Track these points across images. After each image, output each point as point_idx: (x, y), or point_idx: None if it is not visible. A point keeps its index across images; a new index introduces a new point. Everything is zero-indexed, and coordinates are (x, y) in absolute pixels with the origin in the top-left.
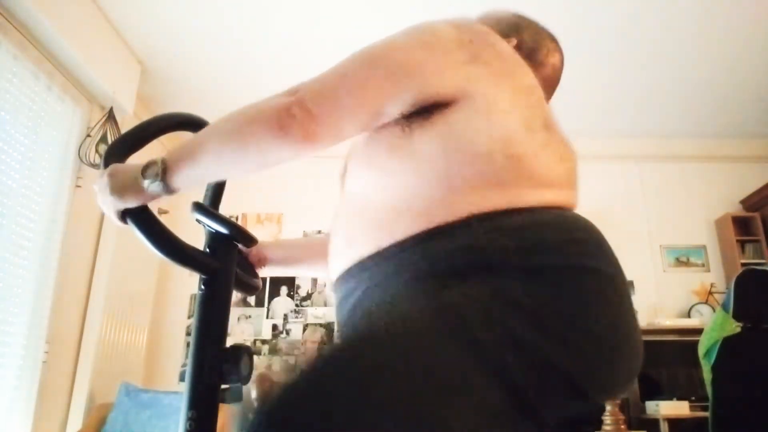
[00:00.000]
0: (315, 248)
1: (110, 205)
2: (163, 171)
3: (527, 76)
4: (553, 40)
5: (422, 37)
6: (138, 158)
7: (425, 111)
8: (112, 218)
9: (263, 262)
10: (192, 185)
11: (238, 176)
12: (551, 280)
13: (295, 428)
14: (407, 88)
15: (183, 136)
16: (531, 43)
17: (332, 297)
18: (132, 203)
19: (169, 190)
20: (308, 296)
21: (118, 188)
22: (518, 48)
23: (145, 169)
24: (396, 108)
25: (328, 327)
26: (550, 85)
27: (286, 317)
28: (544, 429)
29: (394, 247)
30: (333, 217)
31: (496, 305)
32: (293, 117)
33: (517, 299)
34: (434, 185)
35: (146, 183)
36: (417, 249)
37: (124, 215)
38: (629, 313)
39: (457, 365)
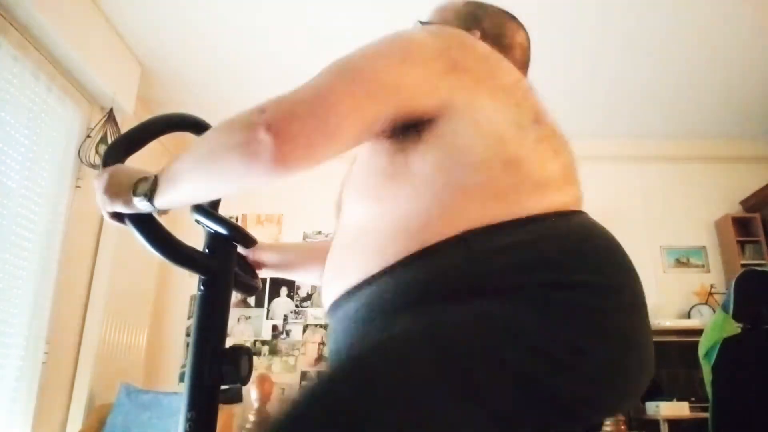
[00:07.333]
0: (312, 254)
1: (102, 204)
2: (151, 191)
3: (509, 74)
4: (513, 18)
5: (400, 50)
6: (138, 157)
7: (414, 131)
8: (105, 216)
9: (259, 265)
10: (178, 207)
11: (221, 197)
12: (551, 301)
13: None
14: (386, 105)
15: (183, 137)
16: (494, 29)
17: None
18: (121, 210)
19: (157, 209)
20: (308, 297)
21: (112, 191)
22: (483, 39)
23: (137, 184)
24: (376, 125)
25: (328, 328)
26: (522, 64)
27: (286, 318)
28: None
29: (382, 273)
30: (329, 251)
31: (491, 334)
32: (260, 142)
33: (514, 326)
34: (431, 204)
35: (136, 200)
36: (407, 270)
37: (121, 215)
38: (639, 327)
39: (444, 412)
